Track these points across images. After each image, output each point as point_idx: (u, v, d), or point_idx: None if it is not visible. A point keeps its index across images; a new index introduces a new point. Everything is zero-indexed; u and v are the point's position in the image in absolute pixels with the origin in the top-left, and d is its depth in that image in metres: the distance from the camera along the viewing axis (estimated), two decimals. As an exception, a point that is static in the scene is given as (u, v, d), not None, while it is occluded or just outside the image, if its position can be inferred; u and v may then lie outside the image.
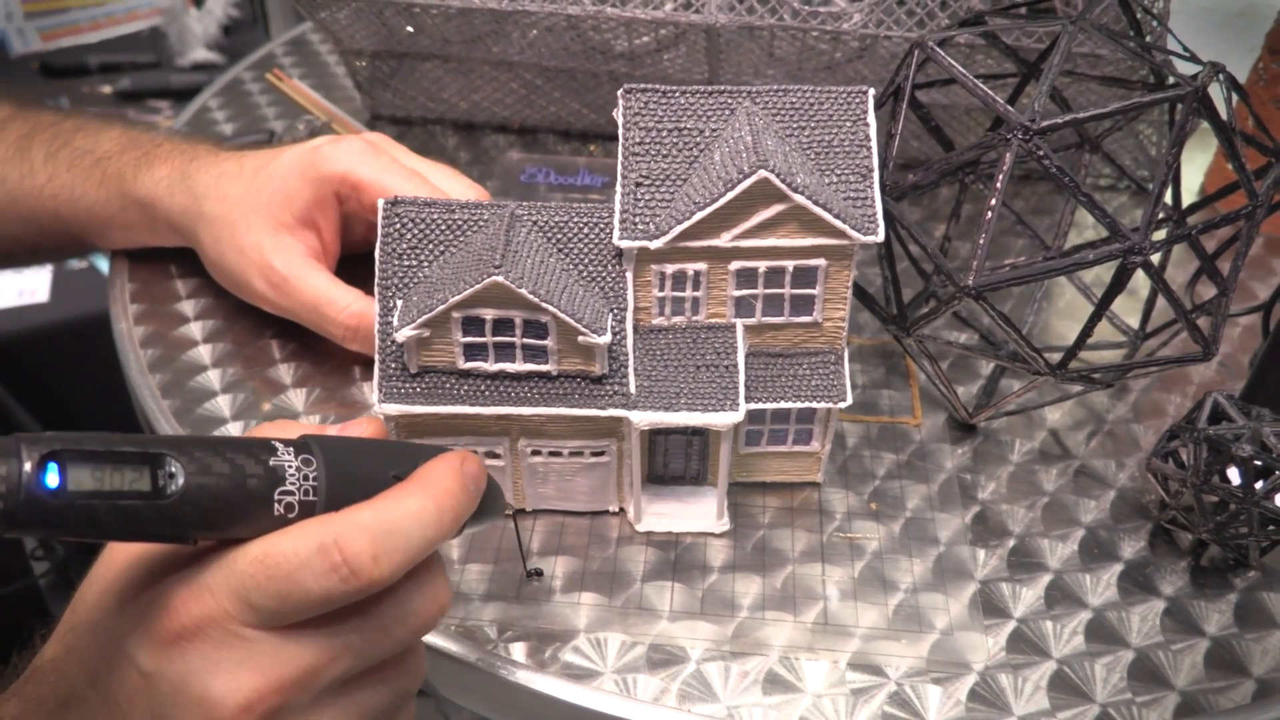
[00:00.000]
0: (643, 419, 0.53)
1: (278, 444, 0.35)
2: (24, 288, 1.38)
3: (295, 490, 0.35)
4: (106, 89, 1.74)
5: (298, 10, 0.82)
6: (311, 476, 0.35)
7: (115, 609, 0.36)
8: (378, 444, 0.40)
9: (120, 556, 0.37)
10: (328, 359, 0.68)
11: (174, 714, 0.34)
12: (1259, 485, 0.53)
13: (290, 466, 0.35)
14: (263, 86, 1.03)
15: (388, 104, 0.96)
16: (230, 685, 0.34)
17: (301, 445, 0.36)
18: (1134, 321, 0.71)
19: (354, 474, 0.37)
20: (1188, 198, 0.68)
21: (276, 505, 0.34)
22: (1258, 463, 0.53)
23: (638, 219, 0.52)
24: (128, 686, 0.35)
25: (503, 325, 0.51)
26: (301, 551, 0.34)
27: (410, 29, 0.86)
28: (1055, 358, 0.57)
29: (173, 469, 0.32)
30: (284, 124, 0.95)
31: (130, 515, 0.31)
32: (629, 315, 0.54)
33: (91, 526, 0.31)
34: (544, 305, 0.50)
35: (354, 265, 0.66)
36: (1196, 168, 0.91)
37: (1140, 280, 0.78)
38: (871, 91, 0.54)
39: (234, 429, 0.64)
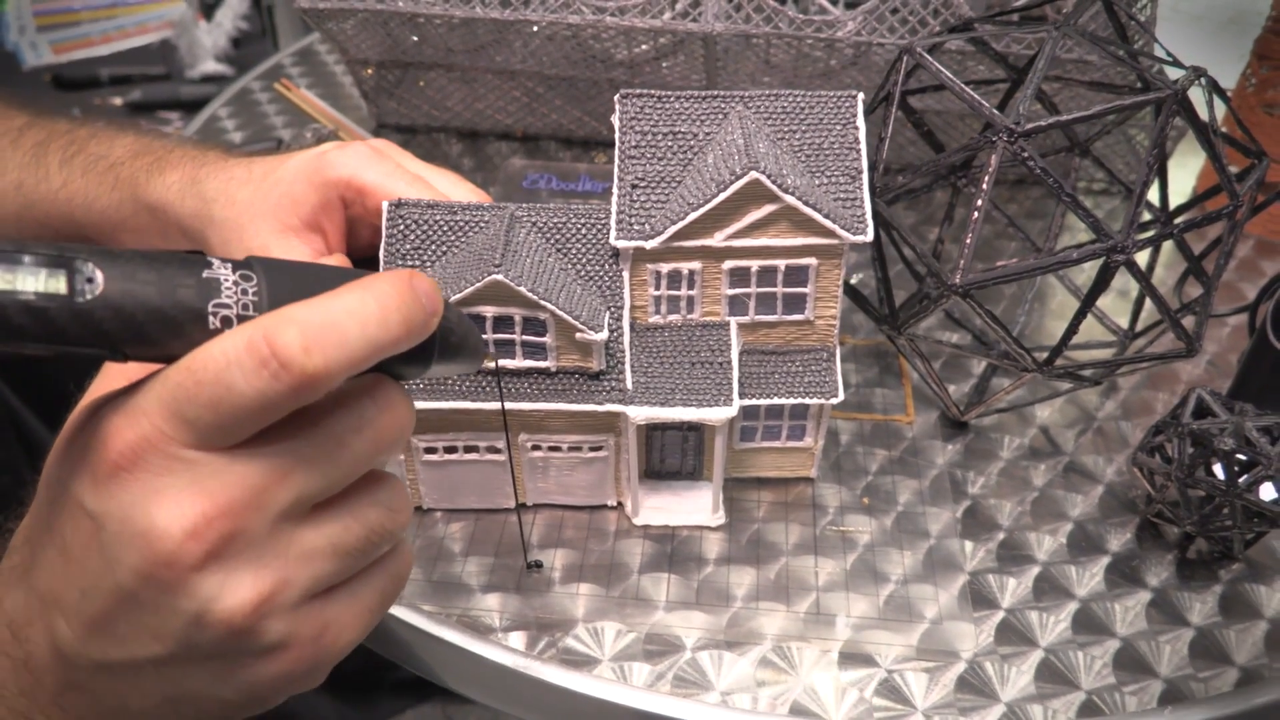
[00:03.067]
0: (639, 414, 0.55)
1: (214, 259, 0.33)
2: (36, 295, 1.40)
3: (232, 304, 0.32)
4: (117, 101, 1.76)
5: (305, 22, 0.84)
6: (251, 291, 0.32)
7: (62, 455, 0.35)
8: (327, 267, 0.37)
9: (75, 412, 0.35)
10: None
11: (123, 555, 0.32)
12: (1242, 479, 0.55)
13: (226, 280, 0.32)
14: (271, 96, 1.05)
15: (393, 112, 0.98)
16: (173, 512, 0.32)
17: (242, 263, 0.33)
18: (1124, 322, 0.73)
19: (300, 293, 0.33)
20: (1178, 201, 0.69)
21: (212, 319, 0.32)
22: (1241, 457, 0.55)
23: (634, 220, 0.54)
24: (81, 535, 0.33)
25: (503, 323, 0.53)
26: (230, 351, 0.31)
27: (415, 39, 0.88)
28: (1044, 356, 0.59)
29: (91, 274, 0.30)
30: (292, 132, 0.97)
31: (43, 316, 0.29)
32: (625, 313, 0.55)
33: (2, 328, 0.29)
34: (542, 303, 0.51)
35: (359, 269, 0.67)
36: (1188, 172, 0.92)
37: (1132, 281, 0.79)
38: (860, 96, 0.56)
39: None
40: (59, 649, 0.35)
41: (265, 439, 0.33)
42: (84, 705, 0.36)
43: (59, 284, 0.29)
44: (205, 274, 0.32)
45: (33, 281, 0.29)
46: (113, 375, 0.37)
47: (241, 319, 0.32)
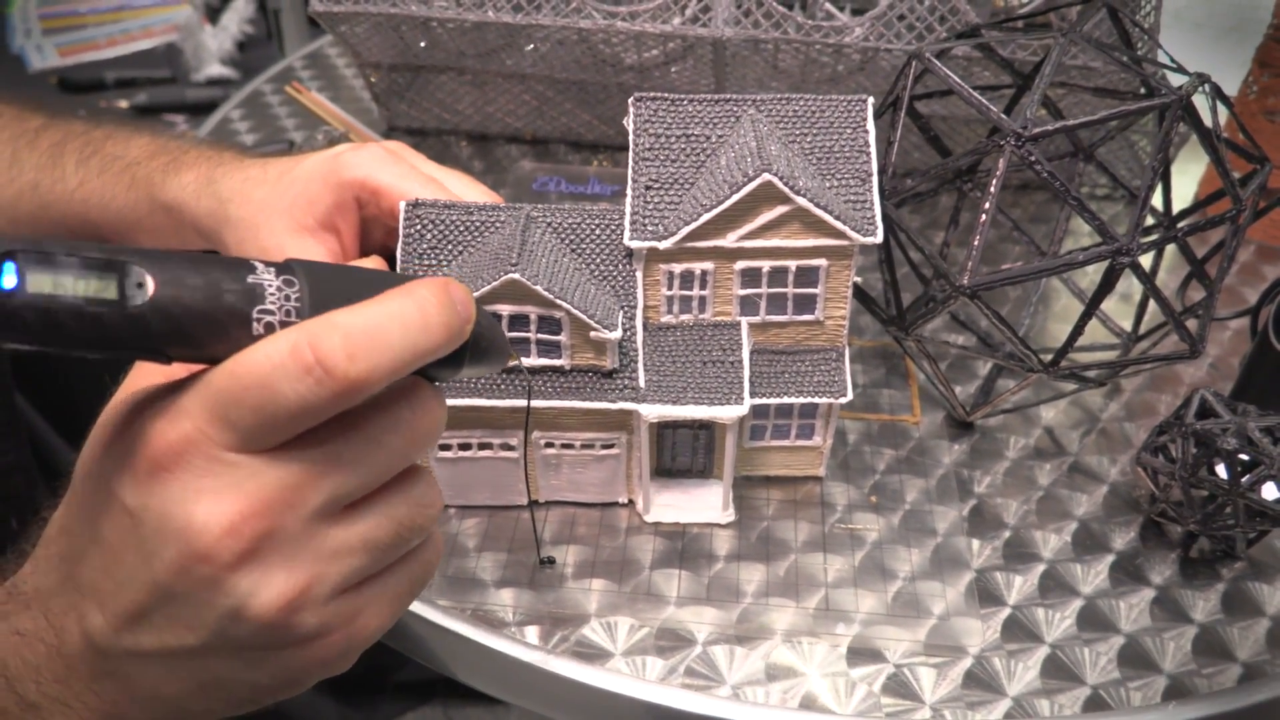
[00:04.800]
0: (651, 412, 0.55)
1: (258, 263, 0.33)
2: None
3: (275, 310, 0.33)
4: (123, 104, 1.76)
5: (314, 26, 0.85)
6: (293, 297, 0.33)
7: (103, 451, 0.35)
8: (367, 270, 0.37)
9: (114, 405, 0.36)
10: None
11: (161, 551, 0.33)
12: (1244, 479, 0.55)
13: (270, 286, 0.33)
14: (282, 99, 1.06)
15: (403, 115, 0.99)
16: (212, 510, 0.32)
17: (284, 267, 0.34)
18: (1127, 325, 0.74)
19: (340, 298, 0.34)
20: (1181, 205, 0.70)
21: (255, 324, 0.32)
22: (1243, 456, 0.56)
23: (647, 221, 0.55)
24: (120, 529, 0.34)
25: (518, 321, 0.54)
26: (274, 356, 0.32)
27: (424, 43, 0.89)
28: (1050, 358, 0.60)
29: (141, 279, 0.30)
30: (303, 135, 0.98)
31: (94, 321, 0.29)
32: (639, 313, 0.56)
33: (53, 331, 0.29)
34: (558, 302, 0.52)
35: (373, 268, 0.68)
36: (1191, 177, 0.93)
37: (1135, 286, 0.80)
38: (871, 100, 0.57)
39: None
40: (92, 638, 0.36)
41: (303, 441, 0.34)
42: (117, 692, 0.37)
43: (110, 289, 0.30)
44: (250, 279, 0.32)
45: (84, 286, 0.29)
46: (147, 371, 0.38)
47: (284, 324, 0.33)
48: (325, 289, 0.34)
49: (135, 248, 0.31)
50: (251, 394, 0.32)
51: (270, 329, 0.32)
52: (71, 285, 0.29)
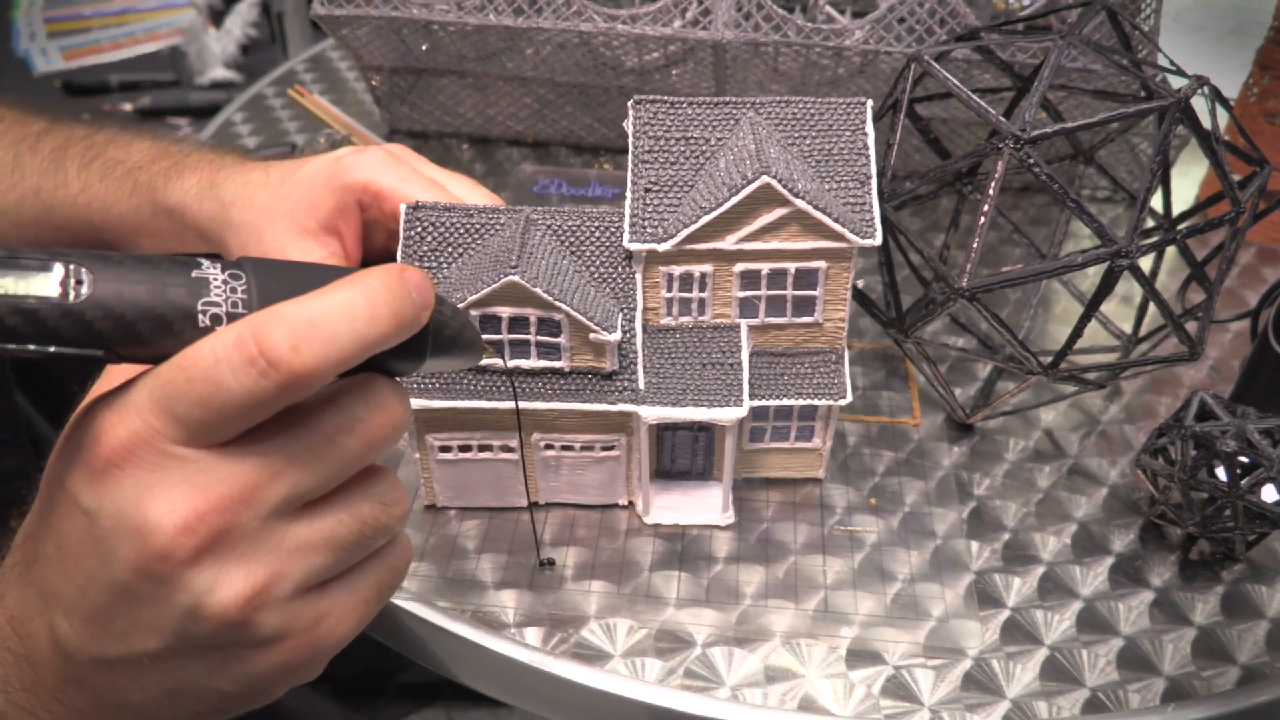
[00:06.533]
0: (651, 414, 0.56)
1: (203, 260, 0.33)
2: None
3: (221, 303, 0.33)
4: (127, 107, 1.77)
5: (316, 30, 0.85)
6: (240, 290, 0.33)
7: (59, 453, 0.35)
8: (318, 265, 0.36)
9: (77, 410, 0.36)
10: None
11: (118, 550, 0.33)
12: (1244, 481, 0.55)
13: (215, 280, 0.33)
14: (284, 101, 1.06)
15: (405, 118, 0.99)
16: (166, 507, 0.32)
17: (232, 262, 0.34)
18: (1127, 328, 0.74)
19: (290, 291, 0.34)
20: (1181, 208, 0.70)
21: (201, 317, 0.32)
22: (1242, 459, 0.56)
23: (647, 223, 0.55)
24: (77, 529, 0.34)
25: (518, 323, 0.54)
26: (219, 349, 0.31)
27: (426, 46, 0.89)
28: (1049, 360, 0.60)
29: (80, 276, 0.31)
30: (305, 138, 0.98)
31: (35, 317, 0.30)
32: (638, 315, 0.56)
33: None
34: (557, 304, 0.52)
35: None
36: (1191, 180, 0.93)
37: (1135, 288, 0.80)
38: (870, 102, 0.57)
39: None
40: (58, 644, 0.35)
41: (256, 437, 0.34)
42: (84, 699, 0.37)
43: (50, 287, 0.30)
44: (194, 273, 0.32)
45: (24, 285, 0.30)
46: (114, 377, 0.38)
47: (231, 317, 0.33)
48: (275, 283, 0.34)
49: (80, 250, 0.31)
50: (197, 387, 0.32)
51: (217, 321, 0.32)
52: (12, 285, 0.30)
